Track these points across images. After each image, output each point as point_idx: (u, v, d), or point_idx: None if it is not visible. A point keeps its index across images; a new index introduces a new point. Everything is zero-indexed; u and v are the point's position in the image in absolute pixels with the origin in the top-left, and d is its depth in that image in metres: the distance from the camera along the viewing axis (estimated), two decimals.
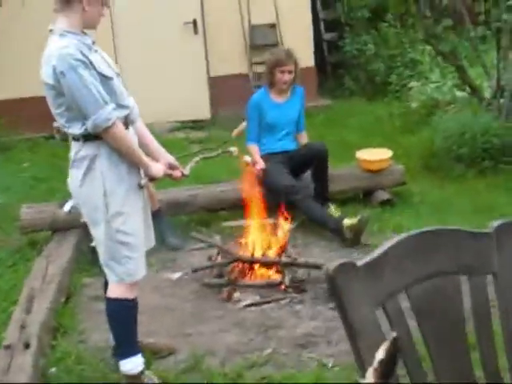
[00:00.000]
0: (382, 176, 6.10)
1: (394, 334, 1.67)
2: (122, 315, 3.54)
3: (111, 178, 3.38)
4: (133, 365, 3.51)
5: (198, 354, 3.87)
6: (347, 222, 5.21)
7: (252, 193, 5.31)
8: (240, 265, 4.72)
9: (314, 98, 9.50)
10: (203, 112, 9.83)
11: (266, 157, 5.79)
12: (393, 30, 10.72)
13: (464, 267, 2.05)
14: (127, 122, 3.49)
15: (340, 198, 6.06)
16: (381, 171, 6.09)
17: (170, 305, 4.58)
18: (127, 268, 3.46)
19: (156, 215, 5.41)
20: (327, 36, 11.04)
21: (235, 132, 6.23)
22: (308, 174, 5.88)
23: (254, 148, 5.82)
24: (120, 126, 3.35)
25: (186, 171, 3.83)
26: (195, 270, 4.75)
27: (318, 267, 4.72)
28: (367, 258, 1.97)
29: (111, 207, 3.38)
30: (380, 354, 1.66)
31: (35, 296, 4.33)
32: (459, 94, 8.12)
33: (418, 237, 2.04)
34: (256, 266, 4.76)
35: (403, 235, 2.03)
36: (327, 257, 5.08)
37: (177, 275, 4.96)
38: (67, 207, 5.42)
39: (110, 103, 3.31)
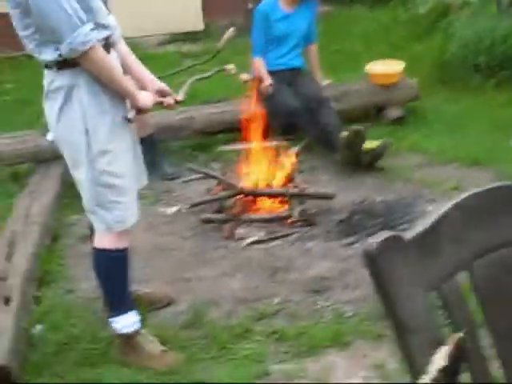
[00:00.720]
0: (393, 91, 5.59)
1: (461, 334, 1.24)
2: (112, 268, 3.09)
3: (92, 111, 2.88)
4: (126, 323, 3.09)
5: (199, 304, 3.45)
6: (367, 145, 4.71)
7: (252, 113, 4.80)
8: (242, 197, 4.25)
9: None
10: (195, 23, 9.17)
11: (269, 74, 5.25)
12: None
13: None
14: (108, 44, 2.95)
15: (348, 116, 5.55)
16: (393, 85, 5.56)
17: (166, 245, 4.14)
18: (116, 214, 3.00)
19: (148, 141, 4.96)
20: None
21: (222, 41, 5.59)
22: None
23: (259, 62, 5.29)
24: (100, 50, 2.82)
25: (180, 96, 3.33)
26: (193, 205, 4.29)
27: (329, 197, 4.28)
28: (418, 229, 1.49)
29: (94, 145, 2.89)
30: (440, 358, 1.24)
31: (17, 241, 3.89)
32: None
33: (482, 196, 1.56)
34: (260, 199, 4.30)
35: (462, 196, 1.55)
36: (338, 185, 4.63)
37: (173, 209, 4.51)
38: (51, 136, 4.91)
39: (88, 23, 2.76)
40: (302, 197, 4.23)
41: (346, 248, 3.89)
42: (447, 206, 1.51)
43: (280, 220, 4.18)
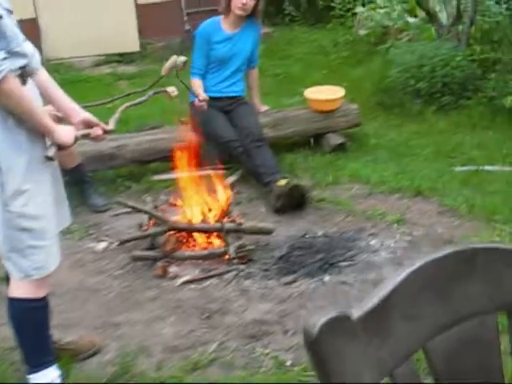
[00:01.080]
0: (334, 117, 5.42)
1: None
2: (29, 320, 2.80)
3: (7, 149, 2.61)
4: (45, 379, 2.81)
5: (128, 353, 3.18)
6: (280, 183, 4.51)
7: (187, 141, 4.57)
8: (175, 233, 4.00)
9: None
10: (131, 43, 8.92)
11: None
12: None
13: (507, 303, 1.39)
14: (25, 74, 2.68)
15: (286, 143, 5.36)
16: (333, 111, 5.40)
17: (93, 284, 3.85)
18: (34, 260, 2.72)
19: (76, 172, 4.71)
20: None
21: (165, 68, 5.33)
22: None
23: (197, 82, 5.05)
24: (13, 81, 2.55)
25: (110, 126, 3.07)
26: (123, 242, 4.01)
27: (267, 233, 4.07)
28: (367, 306, 1.27)
29: (8, 186, 2.62)
30: None
31: None
32: (411, 20, 7.42)
33: (439, 263, 1.36)
34: (195, 234, 4.06)
35: (415, 264, 1.34)
36: (277, 218, 4.42)
37: (102, 246, 4.22)
38: None
39: (0, 51, 2.50)
40: (238, 232, 4.00)
41: (285, 288, 3.67)
42: (399, 276, 1.30)
43: (215, 257, 3.94)
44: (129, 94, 3.81)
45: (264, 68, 6.96)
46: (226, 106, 5.08)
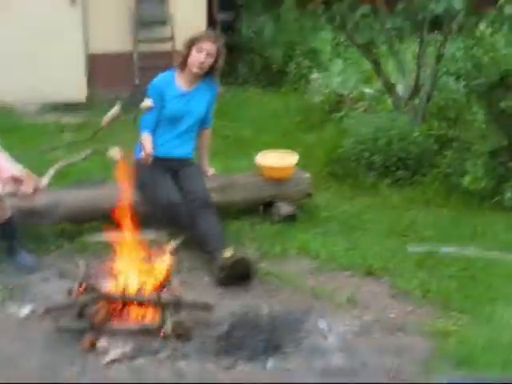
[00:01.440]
0: (285, 185, 5.17)
1: None
2: None
3: None
4: None
5: None
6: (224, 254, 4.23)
7: (127, 201, 4.23)
8: (107, 303, 3.64)
9: None
10: (78, 93, 8.60)
11: (153, 160, 4.72)
12: (293, 14, 9.76)
13: None
14: None
15: (233, 210, 5.08)
16: (284, 179, 5.15)
17: (10, 356, 3.46)
18: None
19: (5, 225, 4.34)
20: (221, 15, 9.95)
21: (106, 119, 4.97)
22: None
23: (147, 136, 4.73)
24: None
25: (43, 182, 2.76)
26: (47, 311, 3.64)
27: (206, 309, 3.74)
28: None
29: None
30: None
31: None
32: (367, 90, 7.29)
33: None
34: (129, 305, 3.70)
35: None
36: (220, 291, 4.12)
37: (25, 311, 3.83)
38: None
39: None
40: (176, 306, 3.66)
41: (224, 372, 3.35)
42: None
43: (149, 332, 3.59)
44: (69, 143, 3.48)
45: (214, 128, 6.72)
46: (172, 167, 4.80)
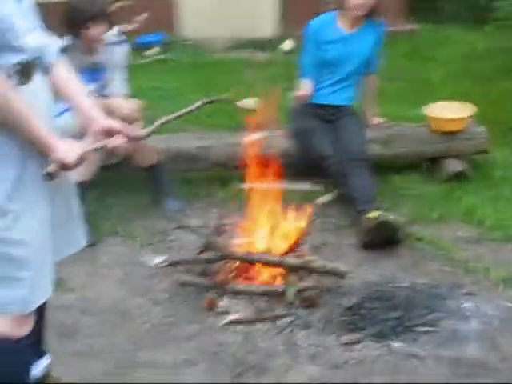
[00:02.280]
0: (456, 140, 4.65)
1: None
2: (4, 364, 2.36)
3: None
4: None
5: None
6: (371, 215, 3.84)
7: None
8: (231, 263, 3.46)
9: (397, 21, 7.89)
10: (270, 29, 8.41)
11: (308, 107, 4.43)
12: None
13: None
14: (27, 70, 2.23)
15: (394, 165, 4.65)
16: (455, 133, 4.64)
17: (131, 308, 3.40)
18: (15, 293, 2.27)
19: (153, 170, 4.30)
20: None
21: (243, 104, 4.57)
22: None
23: (305, 82, 4.41)
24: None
25: (138, 132, 2.58)
26: (173, 263, 3.53)
27: (339, 275, 3.44)
28: None
29: None
30: None
31: None
32: None
33: None
34: (254, 266, 3.49)
35: None
36: (357, 257, 3.79)
37: (156, 261, 3.74)
38: None
39: None
40: (304, 270, 3.40)
41: (343, 348, 3.05)
42: None
43: (273, 296, 3.36)
44: (212, 102, 3.18)
45: (402, 69, 6.28)
46: (329, 116, 4.46)
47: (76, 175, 3.68)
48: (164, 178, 4.36)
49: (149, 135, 2.62)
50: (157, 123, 2.69)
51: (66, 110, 4.00)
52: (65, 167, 2.27)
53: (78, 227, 2.56)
